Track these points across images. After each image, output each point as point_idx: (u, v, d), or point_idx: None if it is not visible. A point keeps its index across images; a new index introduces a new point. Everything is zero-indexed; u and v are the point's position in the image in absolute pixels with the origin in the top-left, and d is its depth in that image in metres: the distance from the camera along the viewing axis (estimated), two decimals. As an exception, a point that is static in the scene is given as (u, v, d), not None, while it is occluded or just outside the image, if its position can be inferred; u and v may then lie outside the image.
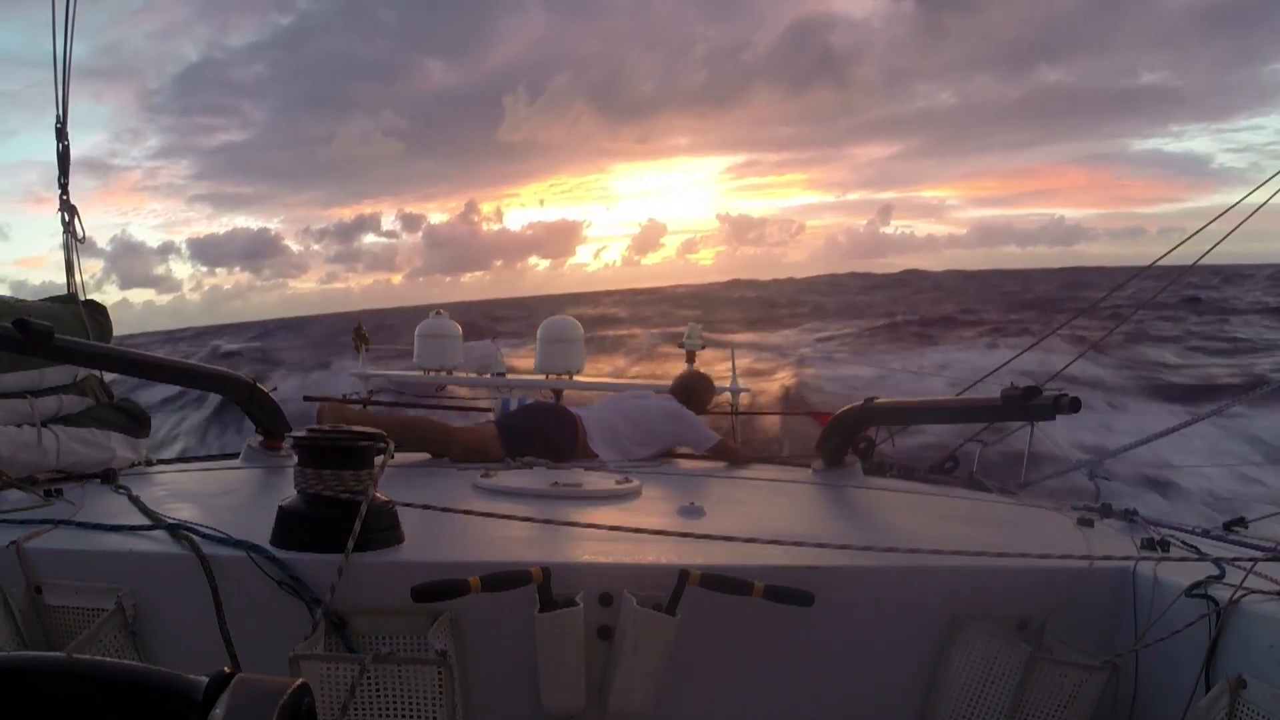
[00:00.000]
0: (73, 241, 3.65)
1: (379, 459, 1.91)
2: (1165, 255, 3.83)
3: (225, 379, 3.30)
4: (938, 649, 1.95)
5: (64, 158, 3.61)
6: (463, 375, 5.88)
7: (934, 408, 3.59)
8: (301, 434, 1.96)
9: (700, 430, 3.99)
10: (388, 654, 1.63)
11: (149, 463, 3.35)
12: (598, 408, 3.92)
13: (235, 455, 3.49)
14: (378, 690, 1.60)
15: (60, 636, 1.84)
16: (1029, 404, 2.32)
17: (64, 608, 1.86)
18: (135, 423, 3.29)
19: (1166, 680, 1.80)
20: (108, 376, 3.36)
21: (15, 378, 2.87)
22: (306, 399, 5.32)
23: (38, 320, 2.36)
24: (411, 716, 1.61)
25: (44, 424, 2.90)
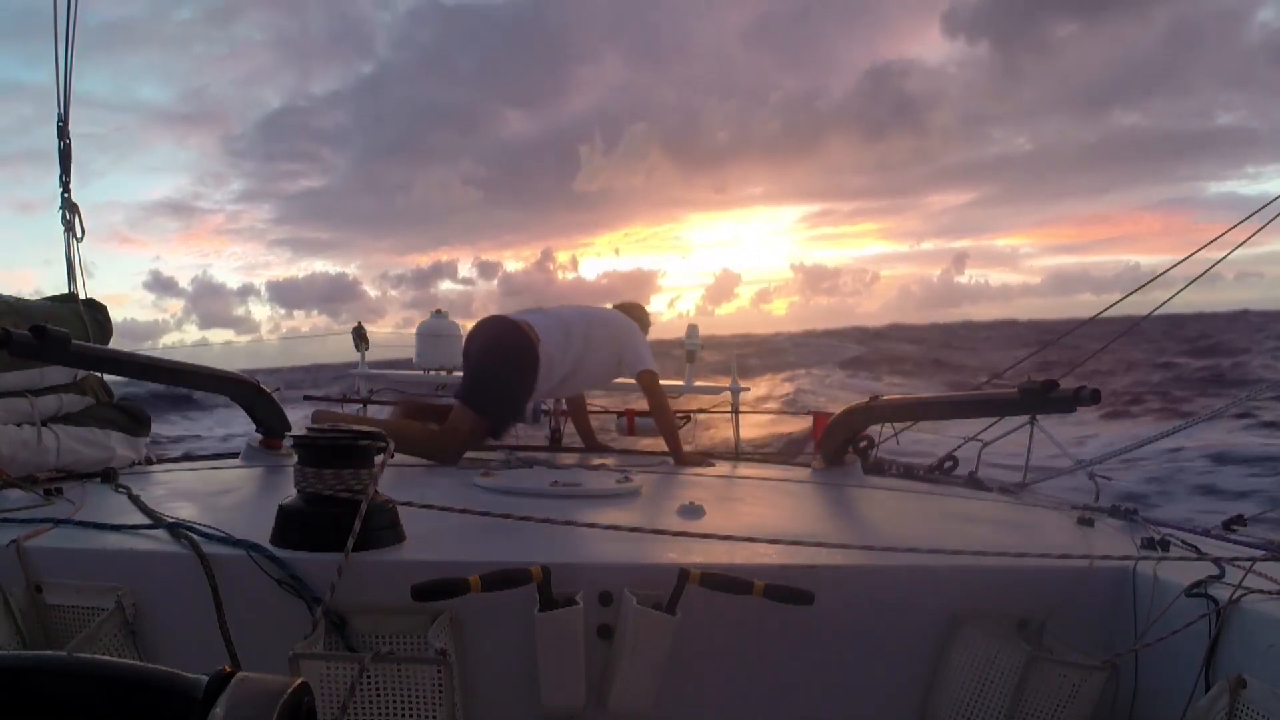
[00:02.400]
0: (73, 240, 3.66)
1: (379, 458, 1.91)
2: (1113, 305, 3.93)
3: (230, 380, 3.30)
4: (937, 649, 1.95)
5: (65, 156, 3.62)
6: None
7: (946, 403, 3.52)
8: (301, 433, 1.96)
9: (641, 352, 3.95)
10: (388, 653, 1.63)
11: (149, 462, 3.36)
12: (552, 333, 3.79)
13: (235, 454, 3.50)
14: (377, 689, 1.60)
15: (60, 635, 1.84)
16: (1048, 396, 2.28)
17: (64, 607, 1.86)
18: (135, 422, 3.29)
19: (1166, 680, 1.80)
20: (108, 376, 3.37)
21: (15, 376, 2.87)
22: (307, 398, 5.35)
23: (55, 327, 2.36)
24: (411, 715, 1.61)
25: (44, 423, 2.90)
